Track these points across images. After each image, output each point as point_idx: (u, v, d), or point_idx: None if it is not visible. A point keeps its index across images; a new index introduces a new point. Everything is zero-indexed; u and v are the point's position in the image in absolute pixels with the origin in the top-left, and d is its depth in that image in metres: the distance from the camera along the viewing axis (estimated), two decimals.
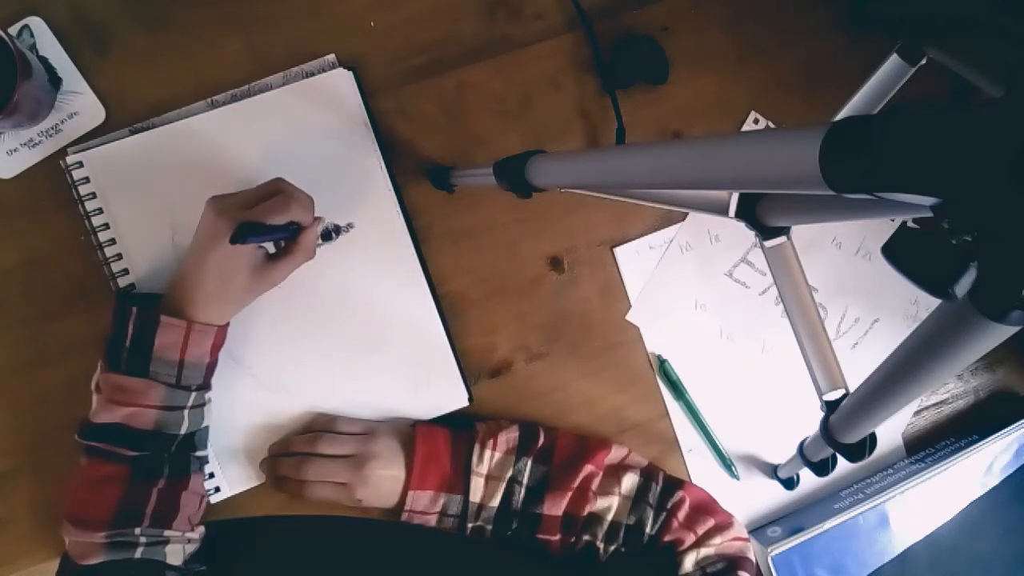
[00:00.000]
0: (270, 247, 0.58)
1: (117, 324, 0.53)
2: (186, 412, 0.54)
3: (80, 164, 0.59)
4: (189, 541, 0.55)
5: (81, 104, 0.60)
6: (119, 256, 0.60)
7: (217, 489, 0.62)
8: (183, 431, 0.54)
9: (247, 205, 0.53)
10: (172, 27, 0.61)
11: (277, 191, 0.55)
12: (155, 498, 0.53)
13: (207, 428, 0.58)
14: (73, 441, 0.53)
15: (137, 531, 0.52)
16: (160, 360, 0.52)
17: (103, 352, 0.54)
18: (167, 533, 0.53)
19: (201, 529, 0.57)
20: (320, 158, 0.62)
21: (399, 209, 0.63)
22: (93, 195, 0.60)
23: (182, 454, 0.55)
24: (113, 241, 0.60)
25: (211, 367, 0.56)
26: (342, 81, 0.62)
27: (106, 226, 0.60)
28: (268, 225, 0.52)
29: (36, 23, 0.60)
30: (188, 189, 0.59)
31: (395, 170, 0.64)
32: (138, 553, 0.52)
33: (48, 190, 0.60)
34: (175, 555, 0.54)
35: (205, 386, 0.56)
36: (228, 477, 0.62)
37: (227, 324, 0.56)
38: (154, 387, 0.52)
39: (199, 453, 0.57)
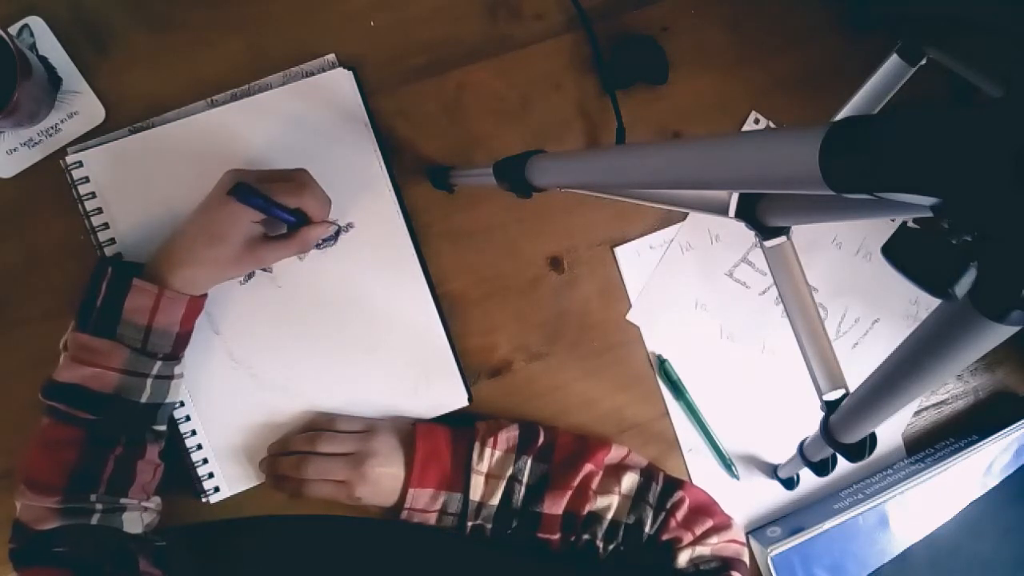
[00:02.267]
0: (283, 230, 0.57)
1: (92, 284, 0.53)
2: (149, 380, 0.53)
3: (80, 164, 0.59)
4: (146, 510, 0.55)
5: (81, 104, 0.60)
6: (119, 255, 0.60)
7: (217, 489, 0.62)
8: (144, 399, 0.53)
9: (263, 180, 0.54)
10: (172, 27, 0.61)
11: (297, 178, 0.55)
12: (111, 464, 0.52)
13: (171, 405, 0.57)
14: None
15: (93, 497, 0.51)
16: (128, 323, 0.52)
17: (76, 310, 0.53)
18: (123, 500, 0.53)
19: (157, 499, 0.56)
20: (320, 158, 0.62)
21: (399, 209, 0.63)
22: (93, 195, 0.60)
23: (140, 423, 0.54)
24: (112, 240, 0.60)
25: (182, 338, 0.55)
26: (342, 81, 0.62)
27: (105, 225, 0.60)
28: (270, 199, 0.53)
29: (36, 23, 0.60)
30: (187, 188, 0.59)
31: (395, 170, 0.64)
32: (94, 520, 0.51)
33: (48, 189, 0.60)
34: (133, 523, 0.53)
35: (173, 357, 0.55)
36: (227, 476, 0.62)
37: (203, 296, 0.56)
38: (118, 349, 0.51)
39: (157, 427, 0.56)
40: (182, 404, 0.61)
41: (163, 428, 0.57)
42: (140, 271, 0.54)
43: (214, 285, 0.56)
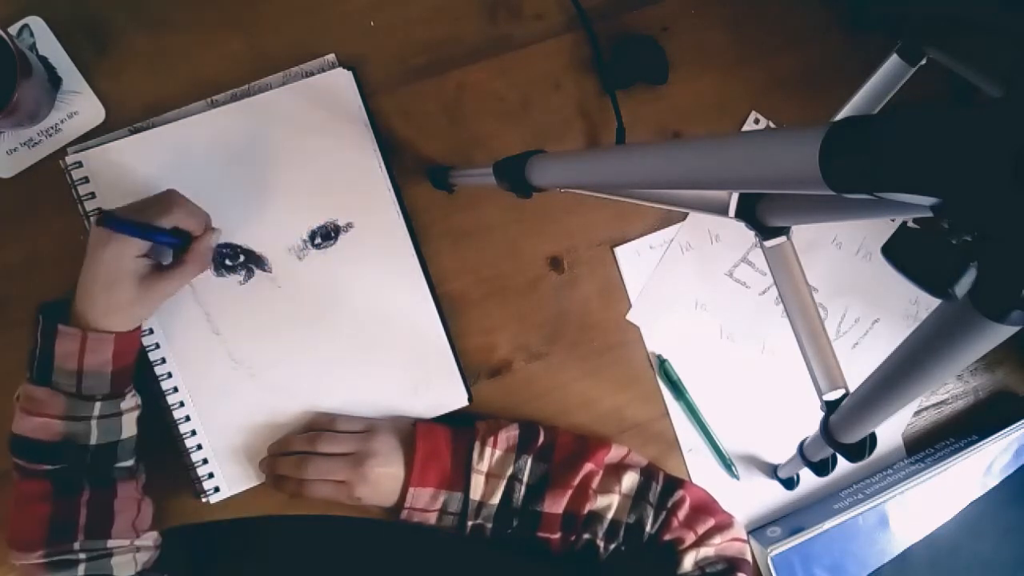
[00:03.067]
0: (168, 259, 0.56)
1: (33, 333, 0.53)
2: (93, 422, 0.52)
3: (79, 164, 0.59)
4: (139, 549, 0.54)
5: (81, 104, 0.60)
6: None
7: (217, 489, 0.62)
8: (93, 442, 0.52)
9: (132, 211, 0.53)
10: (172, 27, 0.61)
11: (165, 200, 0.54)
12: (84, 511, 0.51)
13: (131, 439, 0.55)
14: None
15: (76, 546, 0.51)
16: (60, 369, 0.51)
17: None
18: (110, 544, 0.52)
19: (154, 535, 0.56)
20: (320, 157, 0.62)
21: (399, 209, 0.63)
22: (92, 195, 0.60)
23: (101, 465, 0.53)
24: None
25: (117, 376, 0.53)
26: (342, 81, 0.62)
27: None
28: (142, 223, 0.51)
29: (36, 23, 0.60)
30: (187, 189, 0.59)
31: (395, 170, 0.64)
32: (81, 570, 0.51)
33: (48, 190, 0.60)
34: (125, 566, 0.52)
35: (116, 395, 0.54)
36: (227, 477, 0.62)
37: (134, 332, 0.54)
38: (55, 396, 0.51)
39: (123, 464, 0.55)
40: (182, 404, 0.61)
41: (130, 463, 0.56)
42: (65, 311, 0.53)
43: (136, 323, 0.54)
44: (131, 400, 0.55)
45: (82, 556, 0.51)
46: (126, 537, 0.53)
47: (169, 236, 0.53)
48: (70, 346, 0.51)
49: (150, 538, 0.55)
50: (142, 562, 0.54)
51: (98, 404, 0.53)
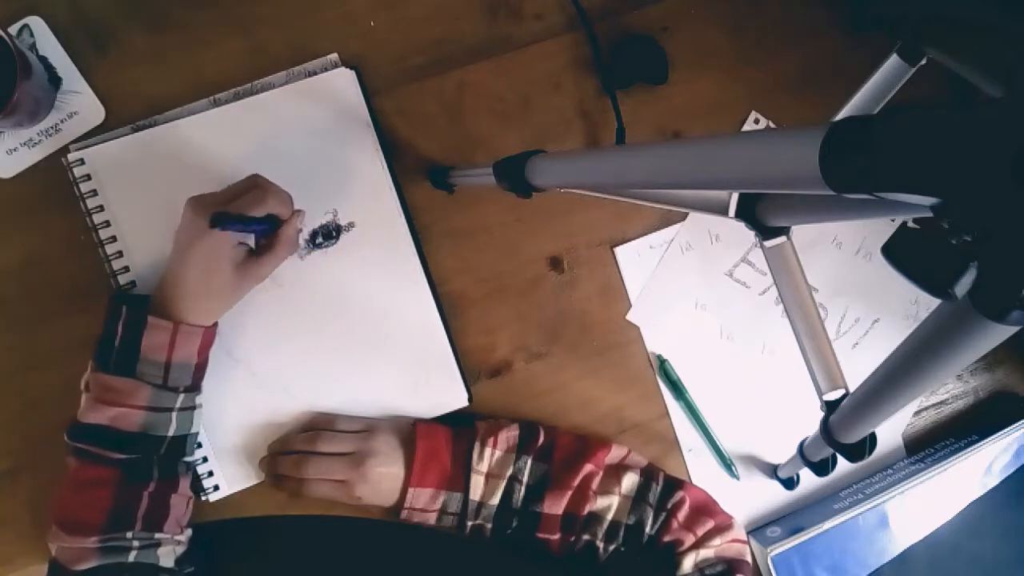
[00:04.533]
0: (252, 244, 0.57)
1: (108, 324, 0.53)
2: (174, 414, 0.54)
3: (81, 161, 0.59)
4: (178, 543, 0.55)
5: (81, 104, 0.60)
6: (120, 254, 0.60)
7: (216, 488, 0.62)
8: (171, 433, 0.54)
9: (224, 202, 0.53)
10: (172, 27, 0.61)
11: (253, 186, 0.55)
12: (146, 501, 0.53)
13: (196, 434, 0.57)
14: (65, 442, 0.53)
15: (129, 535, 0.52)
16: (147, 361, 0.52)
17: (94, 352, 0.54)
18: (158, 536, 0.53)
19: (188, 531, 0.57)
20: (321, 157, 0.62)
21: (400, 208, 0.63)
22: (94, 192, 0.60)
23: (171, 457, 0.55)
24: (114, 238, 0.60)
25: (200, 368, 0.56)
26: (344, 80, 0.62)
27: (107, 223, 0.60)
28: (246, 216, 0.52)
29: (36, 23, 0.60)
30: (189, 187, 0.59)
31: (395, 170, 0.64)
32: (131, 557, 0.52)
33: (48, 189, 0.60)
34: (167, 557, 0.54)
35: (194, 388, 0.56)
36: (227, 476, 0.62)
37: (215, 325, 0.56)
38: (141, 387, 0.52)
39: (187, 459, 0.57)
40: None
41: (192, 459, 0.58)
42: (147, 303, 0.54)
43: (224, 313, 0.56)
44: (201, 397, 0.57)
45: (135, 544, 0.52)
46: (171, 531, 0.54)
47: (266, 224, 0.54)
48: (160, 338, 0.52)
49: (186, 535, 0.56)
50: (178, 555, 0.55)
51: (181, 396, 0.54)
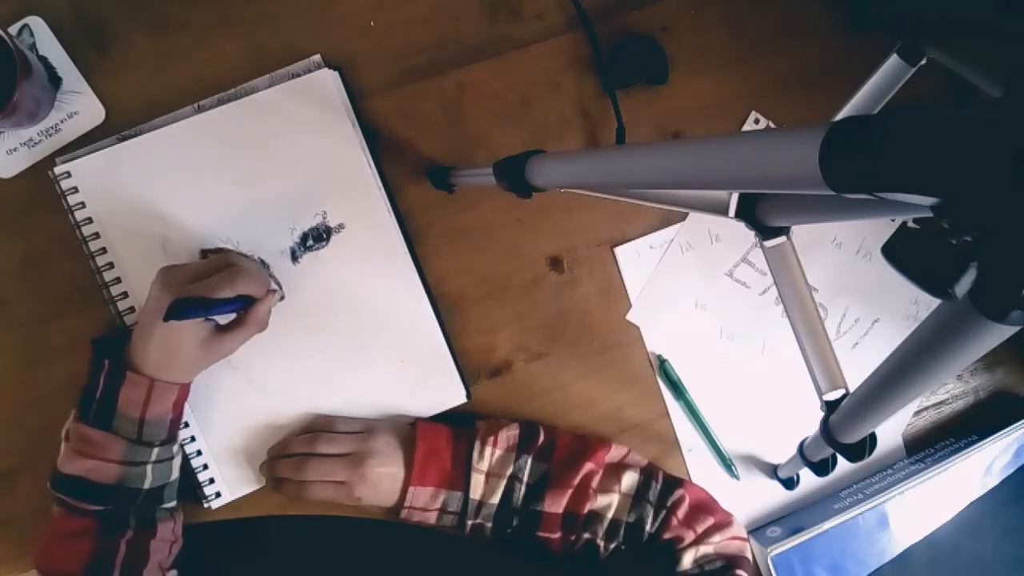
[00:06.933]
0: (222, 319, 0.56)
1: (92, 374, 0.53)
2: (149, 467, 0.53)
3: (68, 174, 0.59)
4: None
5: (81, 104, 0.60)
6: (111, 265, 0.60)
7: (218, 495, 0.61)
8: (147, 486, 0.54)
9: (194, 278, 0.53)
10: (172, 27, 0.61)
11: (226, 265, 0.55)
12: (124, 549, 0.53)
13: (176, 481, 0.57)
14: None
15: None
16: (122, 416, 0.52)
17: (77, 400, 0.53)
18: None
19: (174, 572, 0.56)
20: (308, 158, 0.62)
21: (390, 208, 0.63)
22: (83, 204, 0.59)
23: (148, 507, 0.55)
24: (104, 250, 0.60)
25: (175, 422, 0.56)
26: (328, 81, 0.61)
27: (96, 235, 0.59)
28: (211, 299, 0.52)
29: (36, 23, 0.60)
30: (177, 195, 0.59)
31: (395, 170, 0.64)
32: None
33: (48, 190, 0.60)
34: None
35: (171, 440, 0.55)
36: (228, 481, 0.62)
37: (190, 382, 0.56)
38: (116, 441, 0.52)
39: (167, 505, 0.56)
40: None
41: (172, 504, 0.57)
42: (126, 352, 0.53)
43: (195, 376, 0.56)
44: (178, 445, 0.57)
45: None
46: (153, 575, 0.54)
47: (233, 304, 0.54)
48: (136, 394, 0.52)
49: (171, 575, 0.56)
50: None
51: (156, 449, 0.54)
